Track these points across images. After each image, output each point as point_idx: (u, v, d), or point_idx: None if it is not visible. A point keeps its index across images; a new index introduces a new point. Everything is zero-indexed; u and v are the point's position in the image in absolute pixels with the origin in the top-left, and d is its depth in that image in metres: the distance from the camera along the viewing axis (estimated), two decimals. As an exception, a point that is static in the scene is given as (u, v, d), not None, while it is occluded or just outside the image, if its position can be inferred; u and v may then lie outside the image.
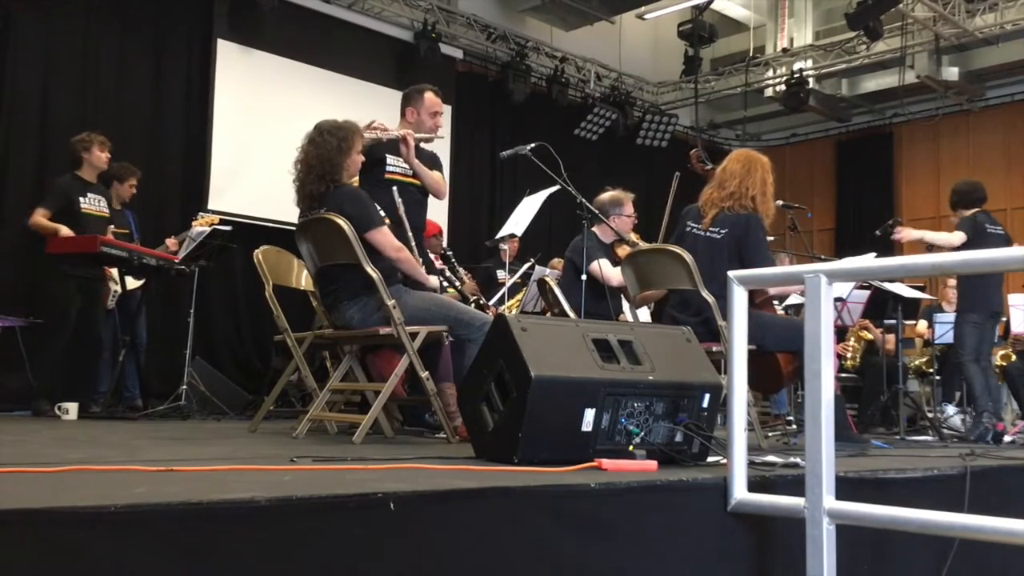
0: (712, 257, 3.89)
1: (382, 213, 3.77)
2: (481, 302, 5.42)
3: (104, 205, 5.73)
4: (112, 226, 5.81)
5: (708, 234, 4.02)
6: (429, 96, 4.42)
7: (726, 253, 3.93)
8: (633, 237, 5.28)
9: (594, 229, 5.10)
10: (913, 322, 7.25)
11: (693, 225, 4.12)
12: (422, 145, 4.35)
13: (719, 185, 4.08)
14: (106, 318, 5.91)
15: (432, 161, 4.40)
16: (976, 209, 5.75)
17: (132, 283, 5.87)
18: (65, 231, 5.37)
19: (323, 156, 3.59)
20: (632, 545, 1.98)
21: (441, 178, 4.42)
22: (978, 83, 10.80)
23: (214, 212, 7.34)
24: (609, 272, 4.94)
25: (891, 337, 6.61)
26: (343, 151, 3.61)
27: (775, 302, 5.42)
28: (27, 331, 5.76)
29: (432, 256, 5.03)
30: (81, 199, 5.58)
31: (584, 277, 4.72)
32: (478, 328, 3.51)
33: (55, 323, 5.44)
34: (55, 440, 3.30)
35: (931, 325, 7.36)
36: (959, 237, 5.52)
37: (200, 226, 5.88)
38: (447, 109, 8.96)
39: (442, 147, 8.88)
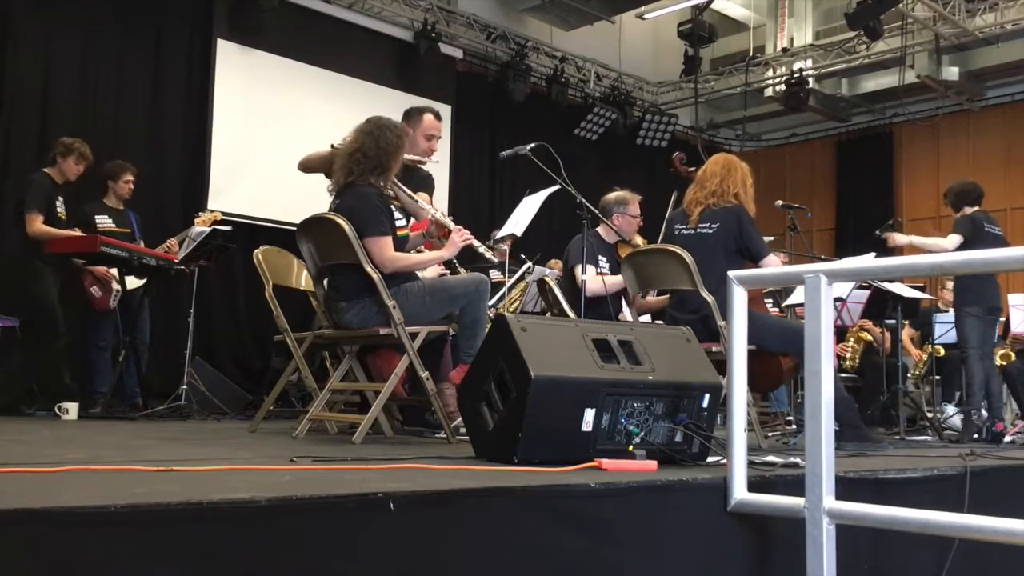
0: (705, 254, 3.91)
1: (400, 219, 3.72)
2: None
3: (63, 208, 5.68)
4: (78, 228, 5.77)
5: (699, 231, 4.05)
6: (428, 118, 4.32)
7: (720, 248, 3.96)
8: (637, 239, 5.26)
9: (598, 229, 5.09)
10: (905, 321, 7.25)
11: (680, 227, 4.15)
12: (418, 165, 4.24)
13: (700, 185, 4.15)
14: (109, 318, 5.92)
15: (424, 182, 4.28)
16: (975, 208, 5.73)
17: (134, 283, 5.87)
18: (68, 234, 5.42)
19: (383, 149, 3.56)
20: (632, 545, 1.98)
21: (419, 205, 4.08)
22: (978, 83, 10.80)
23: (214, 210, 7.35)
24: (589, 280, 4.86)
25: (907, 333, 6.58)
26: (399, 149, 3.62)
27: (768, 301, 5.43)
28: (23, 330, 5.75)
29: None
30: (56, 202, 5.58)
31: (585, 277, 4.71)
32: (475, 290, 3.52)
33: (44, 321, 5.41)
34: (55, 440, 3.30)
35: (922, 325, 7.38)
36: (953, 241, 5.47)
37: (201, 225, 5.87)
38: (447, 109, 9.07)
39: (442, 147, 8.90)
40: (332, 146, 4.16)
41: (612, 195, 5.31)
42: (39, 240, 5.43)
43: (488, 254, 3.89)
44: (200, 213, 6.20)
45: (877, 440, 3.90)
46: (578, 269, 4.82)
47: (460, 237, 3.69)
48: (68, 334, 5.54)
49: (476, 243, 3.77)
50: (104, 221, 5.96)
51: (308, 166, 4.29)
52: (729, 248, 3.96)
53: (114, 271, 5.80)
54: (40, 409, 5.35)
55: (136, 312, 5.82)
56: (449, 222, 3.79)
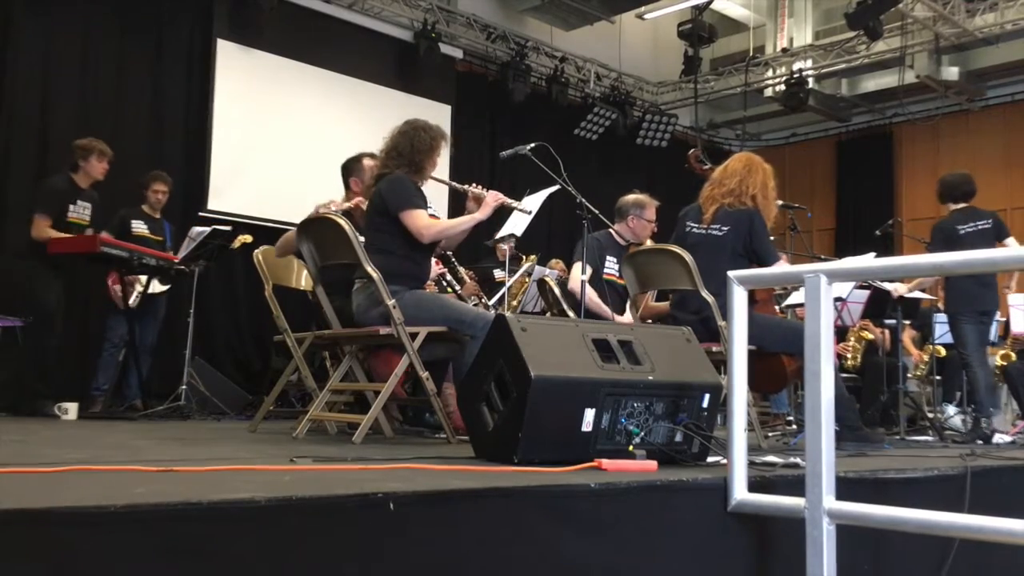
0: (713, 255, 3.89)
1: (432, 210, 3.80)
2: (484, 301, 5.42)
3: (88, 213, 5.69)
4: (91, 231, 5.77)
5: (709, 231, 4.02)
6: (366, 162, 4.38)
7: (728, 250, 3.93)
8: (649, 244, 5.26)
9: (611, 230, 5.09)
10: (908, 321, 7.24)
11: (693, 224, 4.11)
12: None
13: (719, 183, 4.09)
14: (121, 317, 5.93)
15: None
16: (957, 207, 5.69)
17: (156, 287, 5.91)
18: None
19: (416, 148, 3.72)
20: (632, 545, 1.98)
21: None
22: (978, 83, 10.80)
23: (216, 212, 7.37)
24: (578, 284, 4.87)
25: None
26: (432, 150, 3.76)
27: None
28: (24, 330, 5.75)
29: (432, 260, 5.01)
30: (71, 206, 5.58)
31: (584, 277, 4.71)
32: (481, 328, 3.51)
33: (39, 321, 5.40)
34: (55, 440, 3.30)
35: (922, 326, 7.37)
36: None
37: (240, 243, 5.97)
38: (447, 109, 9.07)
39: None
40: (332, 204, 4.24)
41: (630, 197, 5.30)
42: (43, 242, 5.42)
43: (519, 206, 4.01)
44: (238, 238, 6.15)
45: (877, 440, 3.90)
46: (575, 268, 4.83)
47: (493, 198, 3.82)
48: (62, 336, 5.53)
49: (508, 200, 3.89)
50: (140, 227, 6.10)
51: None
52: (737, 251, 3.93)
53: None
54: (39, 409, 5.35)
55: (139, 314, 5.82)
56: (482, 192, 3.92)
